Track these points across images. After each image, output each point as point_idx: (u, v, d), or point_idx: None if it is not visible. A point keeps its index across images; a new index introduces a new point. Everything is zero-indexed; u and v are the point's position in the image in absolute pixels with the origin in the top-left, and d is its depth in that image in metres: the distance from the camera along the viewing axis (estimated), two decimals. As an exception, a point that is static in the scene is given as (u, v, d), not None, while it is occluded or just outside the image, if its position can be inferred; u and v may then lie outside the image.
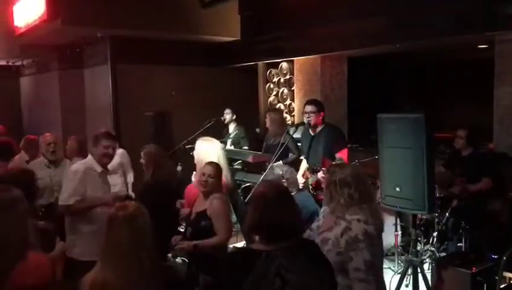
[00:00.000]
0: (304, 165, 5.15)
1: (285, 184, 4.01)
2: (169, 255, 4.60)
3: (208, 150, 4.28)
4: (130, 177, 5.95)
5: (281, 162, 5.44)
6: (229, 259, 2.29)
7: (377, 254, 2.65)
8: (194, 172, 4.53)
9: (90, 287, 2.11)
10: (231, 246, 4.38)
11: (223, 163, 4.17)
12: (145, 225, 2.19)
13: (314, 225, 2.92)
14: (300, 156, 5.77)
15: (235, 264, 2.14)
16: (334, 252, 2.58)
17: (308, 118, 4.86)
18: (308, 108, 4.87)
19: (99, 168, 3.85)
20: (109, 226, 2.17)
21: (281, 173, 4.40)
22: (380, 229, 2.72)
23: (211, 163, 3.86)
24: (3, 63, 10.39)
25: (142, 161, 4.89)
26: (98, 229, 3.70)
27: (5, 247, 2.10)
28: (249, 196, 2.36)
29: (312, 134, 4.95)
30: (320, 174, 4.59)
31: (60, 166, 4.93)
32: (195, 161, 4.34)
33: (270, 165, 4.72)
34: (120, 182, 5.57)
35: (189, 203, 4.15)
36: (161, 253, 4.47)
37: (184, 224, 4.14)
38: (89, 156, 3.95)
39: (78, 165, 3.88)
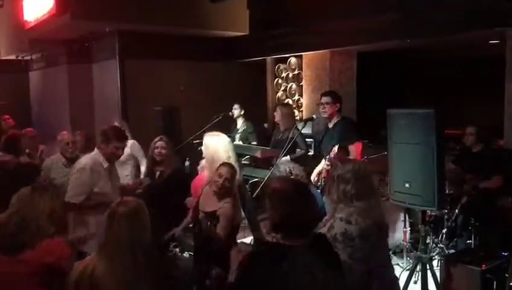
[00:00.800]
0: (323, 163, 5.10)
1: None
2: (177, 249, 4.60)
3: (217, 145, 4.27)
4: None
5: (288, 157, 5.42)
6: (258, 254, 2.27)
7: (358, 255, 2.60)
8: (201, 162, 4.53)
9: (78, 277, 2.14)
10: (239, 241, 4.37)
11: (233, 157, 4.18)
12: (144, 221, 2.21)
13: (324, 219, 2.92)
14: (308, 151, 5.75)
15: (264, 260, 2.11)
16: None
17: (323, 108, 4.86)
18: (324, 99, 4.89)
19: (105, 163, 3.85)
20: (108, 221, 2.20)
21: (288, 169, 4.36)
22: (367, 228, 2.66)
23: (227, 165, 3.83)
24: (12, 57, 10.46)
25: (162, 150, 4.88)
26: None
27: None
28: (267, 193, 2.30)
29: (329, 127, 4.93)
30: (324, 164, 4.60)
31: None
32: (204, 156, 4.32)
33: (277, 161, 4.70)
34: (131, 173, 5.59)
35: (196, 195, 4.16)
36: (166, 245, 4.51)
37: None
38: (96, 151, 3.92)
39: (85, 161, 3.84)
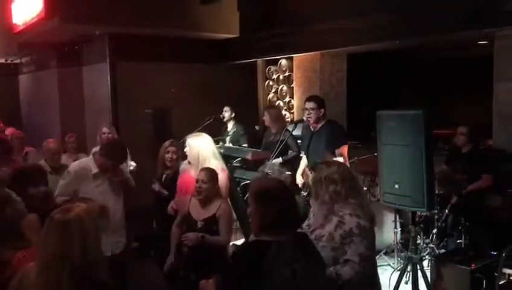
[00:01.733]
0: (304, 162, 5.14)
1: None
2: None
3: (200, 145, 4.30)
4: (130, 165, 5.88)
5: (280, 159, 5.43)
6: (240, 251, 2.31)
7: (371, 246, 2.71)
8: (183, 162, 4.56)
9: (14, 284, 2.04)
10: (231, 243, 4.37)
11: (217, 155, 4.24)
12: (78, 235, 1.94)
13: (304, 224, 2.92)
14: (300, 153, 5.77)
15: (246, 256, 2.18)
16: (329, 248, 2.63)
17: (308, 114, 4.85)
18: (309, 105, 4.86)
19: (95, 169, 3.86)
20: (45, 226, 2.00)
21: (267, 171, 4.41)
22: (371, 222, 2.76)
23: (203, 169, 3.86)
24: (1, 60, 10.38)
25: (173, 156, 4.86)
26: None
27: None
28: (252, 192, 2.35)
29: (313, 130, 4.94)
30: (305, 164, 4.61)
31: (62, 172, 4.85)
32: (189, 157, 4.34)
33: (268, 163, 4.72)
34: None
35: (186, 190, 4.16)
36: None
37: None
38: (90, 156, 4.00)
39: (74, 164, 3.97)
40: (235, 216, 5.74)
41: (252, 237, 2.39)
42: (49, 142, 5.10)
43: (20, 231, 2.35)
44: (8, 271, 2.16)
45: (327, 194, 2.74)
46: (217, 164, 4.20)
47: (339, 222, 2.68)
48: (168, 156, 4.80)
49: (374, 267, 2.88)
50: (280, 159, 5.47)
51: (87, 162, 3.92)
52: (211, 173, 3.80)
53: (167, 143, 4.89)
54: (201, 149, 4.24)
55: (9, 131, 8.12)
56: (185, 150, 4.49)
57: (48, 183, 4.65)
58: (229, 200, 4.55)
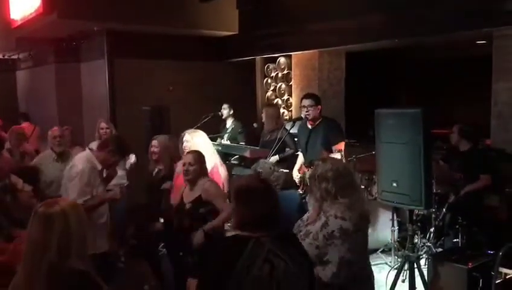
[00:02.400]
0: (300, 160, 5.14)
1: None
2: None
3: (201, 141, 4.35)
4: (131, 159, 5.85)
5: (276, 157, 5.43)
6: (218, 245, 2.30)
7: (353, 249, 2.68)
8: (178, 163, 4.55)
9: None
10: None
11: (214, 152, 4.27)
12: (64, 227, 1.96)
13: (305, 217, 2.96)
14: (297, 151, 5.76)
15: (225, 251, 2.16)
16: (314, 246, 2.67)
17: (306, 112, 4.83)
18: (306, 102, 4.84)
19: (99, 166, 3.88)
20: (30, 218, 2.03)
21: (270, 167, 4.39)
22: (358, 223, 2.74)
23: (190, 151, 3.98)
24: (-1, 56, 10.35)
25: (154, 149, 4.89)
26: (106, 221, 3.84)
27: None
28: (235, 190, 2.36)
29: (310, 127, 4.93)
30: (301, 161, 4.62)
31: (68, 160, 4.80)
32: (187, 149, 4.38)
33: (261, 161, 4.71)
34: (121, 173, 5.58)
35: (177, 191, 4.22)
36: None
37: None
38: (88, 151, 4.00)
39: (83, 164, 3.85)
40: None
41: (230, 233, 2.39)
42: (54, 130, 5.13)
43: (19, 220, 2.34)
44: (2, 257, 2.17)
45: (318, 192, 2.78)
46: (215, 159, 4.23)
47: (324, 222, 2.70)
48: (150, 150, 4.95)
49: (362, 270, 2.85)
50: (277, 157, 5.47)
51: (91, 159, 3.87)
52: (198, 156, 3.88)
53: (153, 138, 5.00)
54: (203, 144, 4.30)
55: (24, 126, 8.17)
56: (183, 145, 4.48)
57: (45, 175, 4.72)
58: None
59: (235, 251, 2.07)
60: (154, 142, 4.97)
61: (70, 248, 1.95)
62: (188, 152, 4.01)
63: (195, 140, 4.41)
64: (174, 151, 4.88)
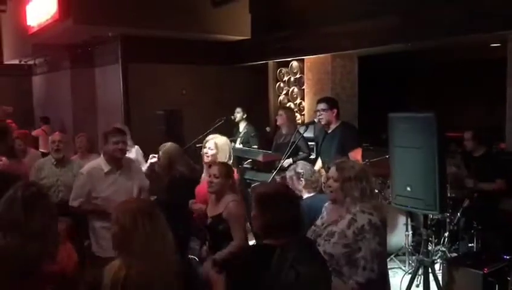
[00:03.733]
0: (319, 164, 5.11)
1: (303, 183, 3.96)
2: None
3: (224, 146, 4.36)
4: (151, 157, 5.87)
5: (290, 160, 5.42)
6: (246, 256, 2.34)
7: (383, 243, 2.75)
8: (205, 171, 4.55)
9: (113, 280, 2.14)
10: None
11: (232, 158, 4.27)
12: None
13: (318, 222, 2.99)
14: (310, 155, 5.76)
15: (253, 261, 2.20)
16: (341, 245, 2.70)
17: (319, 116, 4.82)
18: (320, 106, 4.83)
19: (106, 167, 3.85)
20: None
21: (300, 171, 4.27)
22: (383, 220, 2.82)
23: (217, 163, 3.87)
24: (15, 61, 10.51)
25: (155, 159, 4.93)
26: (108, 225, 3.79)
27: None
28: (256, 197, 2.38)
29: (327, 131, 4.90)
30: (319, 165, 4.60)
31: (66, 167, 4.82)
32: (211, 157, 4.34)
33: (281, 164, 4.69)
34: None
35: (201, 201, 4.17)
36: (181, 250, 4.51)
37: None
38: (101, 156, 4.00)
39: (85, 167, 3.96)
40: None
41: (254, 242, 2.41)
42: (54, 134, 5.08)
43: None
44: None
45: (357, 191, 2.81)
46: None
47: (351, 219, 2.75)
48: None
49: (385, 266, 2.92)
50: (290, 161, 5.47)
51: (98, 161, 3.93)
52: (225, 168, 3.73)
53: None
54: (224, 151, 4.31)
55: (44, 128, 8.18)
56: (205, 151, 4.42)
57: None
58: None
59: (262, 260, 2.11)
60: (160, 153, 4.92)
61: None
62: (215, 164, 3.86)
63: (225, 142, 4.40)
64: (172, 159, 4.85)
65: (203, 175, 4.53)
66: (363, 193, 2.82)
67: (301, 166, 4.02)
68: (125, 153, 4.06)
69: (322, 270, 2.23)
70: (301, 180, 3.93)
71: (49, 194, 2.49)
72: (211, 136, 4.52)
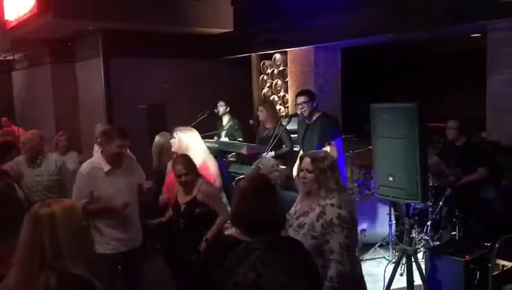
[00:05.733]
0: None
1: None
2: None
3: (190, 139, 4.38)
4: None
5: (272, 153, 5.42)
6: (215, 245, 2.32)
7: (351, 236, 2.78)
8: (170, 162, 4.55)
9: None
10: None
11: (206, 149, 4.28)
12: (51, 228, 1.95)
13: (291, 211, 3.00)
14: (292, 148, 5.77)
15: (218, 251, 2.21)
16: (309, 236, 2.73)
17: (301, 109, 4.86)
18: (300, 99, 4.87)
19: (106, 167, 3.79)
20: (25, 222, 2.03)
21: (271, 165, 4.32)
22: (352, 213, 2.84)
23: (177, 161, 3.87)
24: (-6, 57, 10.33)
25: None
26: (115, 223, 3.80)
27: None
28: (239, 189, 2.39)
29: (308, 123, 4.95)
30: None
31: (41, 166, 4.69)
32: (176, 150, 4.40)
33: (262, 157, 4.70)
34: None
35: (169, 190, 4.22)
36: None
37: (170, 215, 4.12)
38: (98, 154, 3.95)
39: (84, 165, 3.88)
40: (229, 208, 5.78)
41: (225, 233, 2.39)
42: (27, 134, 4.94)
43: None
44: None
45: (333, 182, 2.83)
46: (204, 155, 4.26)
47: (320, 212, 2.78)
48: None
49: (355, 259, 2.96)
50: (272, 153, 5.47)
51: (97, 160, 3.85)
52: (187, 162, 3.84)
53: None
54: (192, 141, 4.31)
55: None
56: (171, 141, 4.50)
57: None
58: (224, 195, 4.59)
59: (221, 254, 2.05)
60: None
61: (60, 250, 1.92)
62: (176, 162, 3.88)
63: (183, 136, 4.43)
64: (163, 149, 4.89)
65: (169, 167, 4.47)
66: (337, 183, 2.85)
67: (264, 161, 4.09)
68: (124, 157, 3.95)
69: (297, 277, 1.85)
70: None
71: (11, 192, 2.31)
72: (176, 128, 4.57)
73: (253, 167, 4.14)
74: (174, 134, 4.48)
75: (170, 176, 4.31)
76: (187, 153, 4.16)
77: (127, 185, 3.87)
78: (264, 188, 2.38)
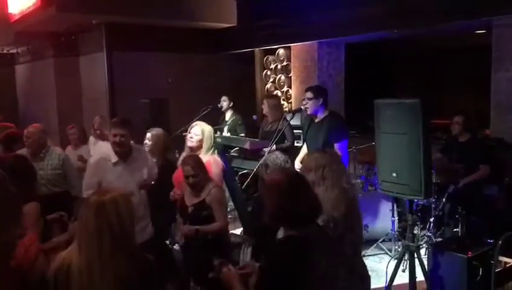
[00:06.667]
0: (304, 151, 5.11)
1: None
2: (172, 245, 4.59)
3: (211, 134, 4.34)
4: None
5: (274, 147, 5.41)
6: (282, 245, 2.30)
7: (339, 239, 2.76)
8: (182, 154, 4.51)
9: (56, 272, 2.08)
10: (230, 232, 4.39)
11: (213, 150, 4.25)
12: (115, 212, 2.07)
13: None
14: (294, 143, 5.76)
15: (288, 250, 2.19)
16: None
17: (305, 104, 4.82)
18: (306, 94, 4.83)
19: (114, 158, 3.78)
20: (81, 209, 2.14)
21: (282, 159, 4.30)
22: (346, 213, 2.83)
23: (186, 162, 3.79)
24: (-3, 50, 10.33)
25: (147, 142, 4.87)
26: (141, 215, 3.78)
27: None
28: (267, 184, 2.38)
29: (315, 121, 4.88)
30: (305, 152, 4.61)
31: (44, 160, 4.69)
32: (192, 144, 4.31)
33: (266, 152, 4.68)
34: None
35: (179, 188, 4.15)
36: (162, 235, 4.50)
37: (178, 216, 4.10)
38: (108, 145, 3.94)
39: (94, 156, 3.94)
40: (232, 205, 5.77)
41: (282, 232, 2.38)
42: (29, 127, 4.86)
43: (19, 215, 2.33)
44: (14, 255, 2.17)
45: (331, 180, 2.82)
46: (210, 156, 4.23)
47: None
48: (144, 142, 4.92)
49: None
50: (274, 148, 5.46)
51: (107, 151, 3.84)
52: (197, 164, 3.76)
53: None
54: (208, 138, 4.27)
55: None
56: (190, 136, 4.39)
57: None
58: (226, 189, 4.56)
59: (296, 250, 2.13)
60: (147, 135, 4.88)
61: (125, 233, 2.07)
62: (185, 163, 3.80)
63: (206, 128, 4.36)
64: (166, 144, 4.85)
65: (179, 161, 4.45)
66: (341, 176, 2.86)
67: (272, 158, 4.06)
68: (125, 147, 3.86)
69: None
70: (268, 172, 3.99)
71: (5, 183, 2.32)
72: (197, 122, 4.51)
73: (259, 163, 4.10)
74: (195, 128, 4.38)
75: (179, 172, 4.26)
76: (203, 148, 4.16)
77: (133, 178, 3.86)
78: (297, 178, 2.40)
